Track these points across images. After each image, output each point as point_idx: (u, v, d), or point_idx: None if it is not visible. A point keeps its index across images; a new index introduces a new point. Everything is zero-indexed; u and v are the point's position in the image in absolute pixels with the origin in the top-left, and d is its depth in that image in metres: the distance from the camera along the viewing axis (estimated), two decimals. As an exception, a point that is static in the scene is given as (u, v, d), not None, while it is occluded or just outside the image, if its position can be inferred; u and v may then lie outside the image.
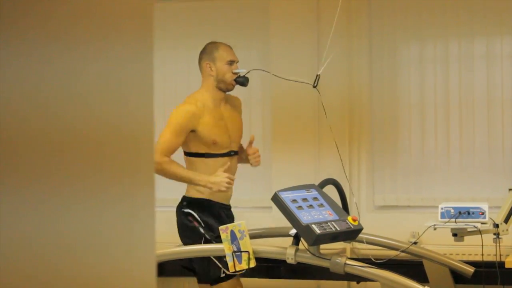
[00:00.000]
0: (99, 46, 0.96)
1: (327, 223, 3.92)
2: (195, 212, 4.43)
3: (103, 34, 0.97)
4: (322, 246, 4.30)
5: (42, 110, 0.87)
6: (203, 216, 4.43)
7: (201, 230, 4.38)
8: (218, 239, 4.26)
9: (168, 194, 4.88)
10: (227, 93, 4.64)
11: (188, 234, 4.45)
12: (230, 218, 4.58)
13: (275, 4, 5.62)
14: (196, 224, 4.40)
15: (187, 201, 4.48)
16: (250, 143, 4.62)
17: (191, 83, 5.42)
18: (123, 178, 1.00)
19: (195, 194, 4.47)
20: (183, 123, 4.37)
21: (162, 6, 5.92)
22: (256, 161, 4.65)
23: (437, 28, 5.43)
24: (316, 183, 4.34)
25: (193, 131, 4.41)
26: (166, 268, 5.28)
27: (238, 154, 4.64)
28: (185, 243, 4.46)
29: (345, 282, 5.36)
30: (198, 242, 4.39)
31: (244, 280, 4.97)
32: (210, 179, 4.32)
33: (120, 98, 1.00)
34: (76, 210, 0.91)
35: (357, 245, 5.22)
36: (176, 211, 4.52)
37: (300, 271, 5.14)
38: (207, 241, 4.37)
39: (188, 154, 4.51)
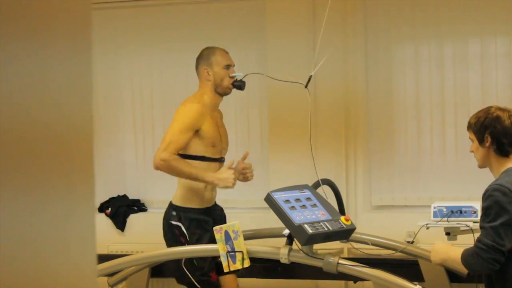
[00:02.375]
0: (30, 43, 0.97)
1: (319, 223, 3.94)
2: (183, 225, 4.47)
3: (36, 31, 0.98)
4: (320, 246, 4.34)
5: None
6: (191, 227, 4.47)
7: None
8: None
9: (166, 195, 4.94)
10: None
11: (173, 245, 4.50)
12: (222, 218, 4.65)
13: (271, 6, 5.65)
14: (182, 240, 4.46)
15: (175, 211, 4.50)
16: (244, 158, 4.64)
17: (189, 85, 5.46)
18: (60, 177, 1.02)
19: (184, 203, 4.51)
20: (192, 121, 4.40)
21: (157, 9, 5.97)
22: (250, 176, 4.67)
23: (431, 28, 5.46)
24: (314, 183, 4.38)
25: (197, 130, 4.44)
26: (165, 269, 5.33)
27: (224, 162, 4.68)
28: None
29: (343, 282, 5.38)
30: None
31: (242, 281, 5.01)
32: (217, 176, 4.35)
33: (55, 95, 1.01)
34: (9, 208, 0.93)
35: (354, 245, 5.24)
36: (164, 220, 4.55)
37: (298, 271, 5.17)
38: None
39: (184, 156, 4.49)
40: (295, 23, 5.58)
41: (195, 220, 4.48)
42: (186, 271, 4.44)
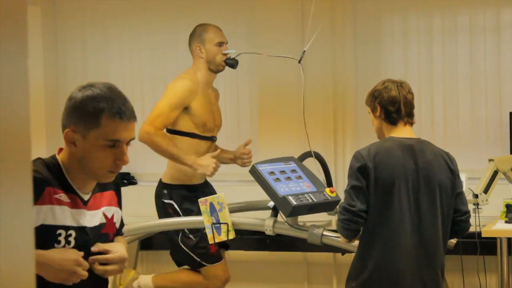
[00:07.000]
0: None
1: (304, 194, 3.94)
2: (176, 203, 4.47)
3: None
4: (310, 218, 4.35)
5: None
6: (183, 204, 4.47)
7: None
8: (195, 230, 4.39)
9: (156, 169, 4.95)
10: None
11: None
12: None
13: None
14: (176, 217, 4.47)
15: (166, 189, 4.49)
16: (246, 144, 4.63)
17: (179, 62, 5.45)
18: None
19: (174, 180, 4.50)
20: (181, 97, 4.37)
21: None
22: (247, 162, 4.63)
23: (420, 1, 5.45)
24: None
25: (186, 107, 4.41)
26: (154, 242, 5.36)
27: (216, 141, 4.68)
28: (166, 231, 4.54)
29: (331, 254, 5.40)
30: (176, 233, 4.47)
31: (231, 253, 5.03)
32: (198, 161, 4.29)
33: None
34: None
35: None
36: (156, 199, 4.55)
37: (288, 243, 5.19)
38: (184, 233, 4.45)
39: (173, 132, 4.46)
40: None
41: (187, 197, 4.48)
42: (184, 247, 4.43)
